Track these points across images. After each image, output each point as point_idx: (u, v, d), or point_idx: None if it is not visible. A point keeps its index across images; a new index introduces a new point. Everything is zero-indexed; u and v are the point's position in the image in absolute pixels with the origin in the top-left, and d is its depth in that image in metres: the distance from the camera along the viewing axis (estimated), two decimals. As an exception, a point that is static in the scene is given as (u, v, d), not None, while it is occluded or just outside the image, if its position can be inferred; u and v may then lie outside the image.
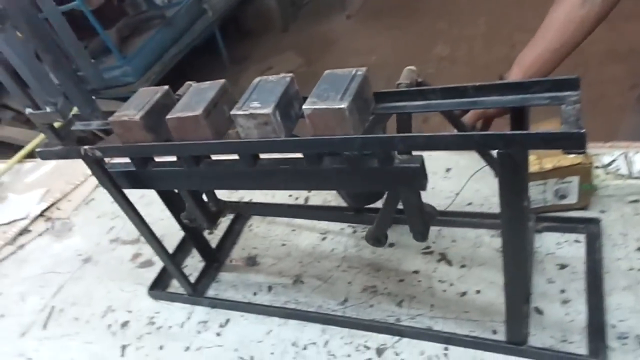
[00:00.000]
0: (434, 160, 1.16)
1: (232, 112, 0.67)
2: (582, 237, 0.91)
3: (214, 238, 1.16)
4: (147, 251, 1.21)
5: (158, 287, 1.08)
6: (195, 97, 0.73)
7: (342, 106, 0.60)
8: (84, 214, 1.43)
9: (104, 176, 0.82)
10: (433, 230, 1.02)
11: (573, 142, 0.51)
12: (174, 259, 1.02)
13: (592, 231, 0.91)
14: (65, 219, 1.42)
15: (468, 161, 1.11)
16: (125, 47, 3.54)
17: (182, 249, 1.15)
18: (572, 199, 0.94)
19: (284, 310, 0.96)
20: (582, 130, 0.50)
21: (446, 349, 0.82)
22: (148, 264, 1.18)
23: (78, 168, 1.51)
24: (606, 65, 2.83)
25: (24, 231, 1.43)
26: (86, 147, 0.77)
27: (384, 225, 0.82)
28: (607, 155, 0.98)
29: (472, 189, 1.06)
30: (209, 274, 1.08)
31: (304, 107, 0.63)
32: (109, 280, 1.17)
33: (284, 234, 1.12)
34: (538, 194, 0.94)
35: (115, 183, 0.84)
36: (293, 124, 0.68)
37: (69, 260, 1.27)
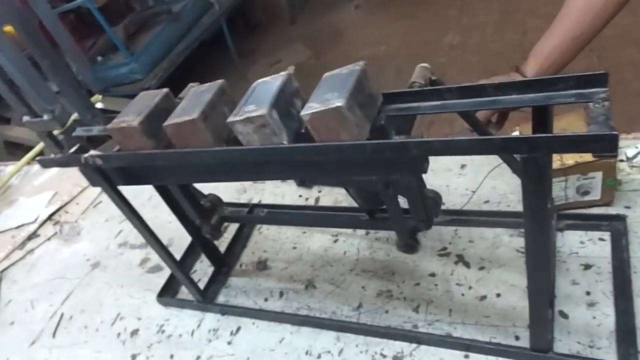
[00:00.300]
0: (450, 157, 1.12)
1: (229, 119, 0.64)
2: (606, 235, 0.87)
3: (223, 242, 1.13)
4: (156, 256, 1.17)
5: (167, 294, 1.06)
6: (192, 101, 0.70)
7: (339, 104, 0.56)
8: (91, 217, 1.41)
9: (105, 184, 0.79)
10: (449, 231, 0.98)
11: (604, 144, 0.46)
12: (181, 265, 0.99)
13: (617, 228, 0.86)
14: (74, 223, 1.40)
15: (484, 157, 1.07)
16: (133, 44, 3.51)
17: (191, 254, 1.12)
18: (595, 195, 0.89)
19: (297, 317, 0.93)
20: (614, 132, 0.46)
21: (466, 356, 0.79)
22: (157, 269, 1.16)
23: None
24: (622, 49, 2.74)
25: (33, 235, 1.41)
26: (86, 155, 0.74)
27: (404, 227, 0.78)
28: (631, 148, 0.93)
29: (488, 186, 1.02)
30: (218, 280, 1.05)
31: (301, 114, 0.60)
32: (117, 286, 1.15)
33: (295, 237, 1.09)
34: (559, 190, 0.89)
35: (117, 190, 0.82)
36: (295, 122, 0.65)
37: (77, 266, 1.25)
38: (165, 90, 0.76)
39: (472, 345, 0.79)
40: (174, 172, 0.78)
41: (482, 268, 0.90)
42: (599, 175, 0.86)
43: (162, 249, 0.92)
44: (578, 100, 0.54)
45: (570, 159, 0.86)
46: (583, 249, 0.87)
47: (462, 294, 0.87)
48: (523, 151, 0.50)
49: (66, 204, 1.49)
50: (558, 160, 0.86)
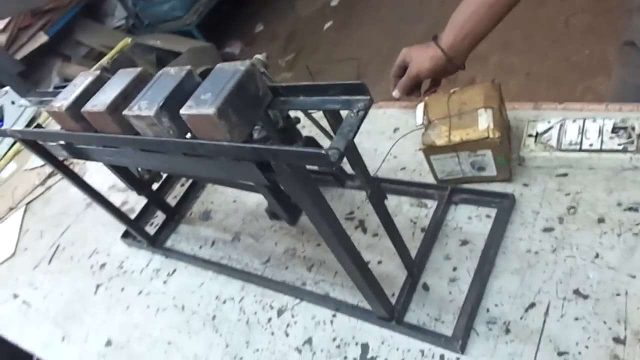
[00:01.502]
0: (386, 119, 1.14)
1: (124, 112, 0.67)
2: (493, 213, 0.88)
3: (181, 191, 1.26)
4: (132, 199, 1.35)
5: (129, 236, 1.23)
6: (110, 87, 0.74)
7: (210, 112, 0.56)
8: (97, 160, 1.60)
9: (36, 152, 0.93)
10: (361, 195, 1.03)
11: (321, 160, 0.51)
12: (132, 220, 1.15)
13: (503, 206, 0.87)
14: (83, 164, 1.60)
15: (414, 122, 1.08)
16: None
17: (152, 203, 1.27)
18: (491, 171, 0.89)
19: (217, 266, 1.05)
20: (327, 152, 0.50)
21: (334, 315, 0.87)
22: (131, 211, 1.32)
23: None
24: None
25: (53, 174, 1.64)
26: (11, 129, 0.88)
27: (273, 204, 0.85)
28: (542, 123, 0.90)
29: (409, 152, 1.04)
30: (169, 226, 1.20)
31: (181, 111, 0.60)
32: (100, 225, 1.34)
33: (238, 191, 1.19)
34: (454, 165, 0.90)
35: (53, 157, 0.96)
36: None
37: (77, 204, 1.46)
38: (97, 72, 0.79)
39: (341, 306, 0.87)
40: (90, 151, 0.89)
41: (375, 235, 0.95)
42: (488, 153, 0.86)
43: (102, 201, 1.06)
44: (343, 108, 0.57)
45: (457, 135, 0.86)
46: (468, 224, 0.89)
47: (351, 259, 0.94)
48: (270, 159, 0.55)
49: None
50: (445, 137, 0.87)
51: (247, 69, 0.59)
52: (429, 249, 0.88)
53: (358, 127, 0.54)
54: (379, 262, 0.91)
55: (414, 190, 0.97)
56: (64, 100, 0.77)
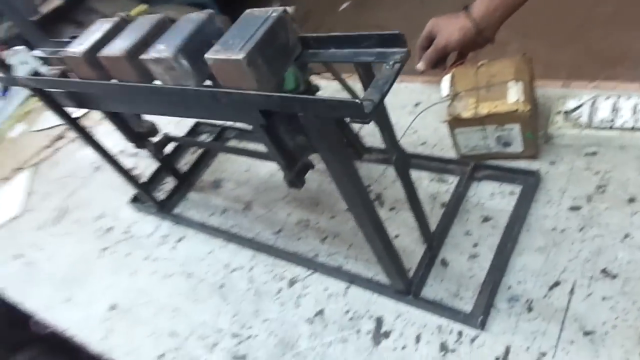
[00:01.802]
0: (407, 93, 1.11)
1: (141, 56, 0.64)
2: (518, 190, 0.85)
3: (191, 159, 1.24)
4: (142, 164, 1.33)
5: (138, 200, 1.20)
6: (129, 33, 0.70)
7: (239, 57, 0.52)
8: (105, 125, 1.57)
9: (46, 100, 0.90)
10: (379, 169, 1.00)
11: (355, 111, 0.48)
12: (142, 184, 1.12)
13: (529, 183, 0.84)
14: (91, 128, 1.57)
15: (437, 96, 1.05)
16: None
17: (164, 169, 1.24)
18: (517, 147, 0.86)
19: (227, 234, 1.02)
20: (362, 102, 0.47)
21: (348, 288, 0.85)
22: (141, 177, 1.29)
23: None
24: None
25: (61, 137, 1.62)
26: (20, 76, 0.85)
27: (287, 166, 0.81)
28: (573, 100, 0.87)
29: (431, 126, 1.01)
30: (179, 193, 1.17)
31: (206, 55, 0.56)
32: (109, 189, 1.31)
33: (251, 161, 1.16)
34: (479, 140, 0.87)
35: (57, 106, 0.93)
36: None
37: (85, 167, 1.43)
38: (119, 16, 0.75)
39: (355, 278, 0.85)
40: (98, 99, 0.86)
41: (392, 209, 0.92)
42: (516, 127, 0.83)
43: (114, 163, 1.03)
44: (377, 60, 0.54)
45: (485, 108, 0.83)
46: (490, 201, 0.86)
47: (366, 229, 0.91)
48: (298, 109, 0.52)
49: (89, 111, 1.66)
50: (473, 109, 0.84)
51: (280, 16, 0.56)
52: (449, 224, 0.85)
53: (393, 81, 0.51)
54: (396, 236, 0.88)
55: (434, 165, 0.94)
56: (80, 45, 0.73)
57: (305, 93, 0.89)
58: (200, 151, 1.25)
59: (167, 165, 1.15)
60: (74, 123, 0.96)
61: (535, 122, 0.84)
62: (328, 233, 0.94)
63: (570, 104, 0.87)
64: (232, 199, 1.11)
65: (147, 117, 1.05)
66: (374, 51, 0.54)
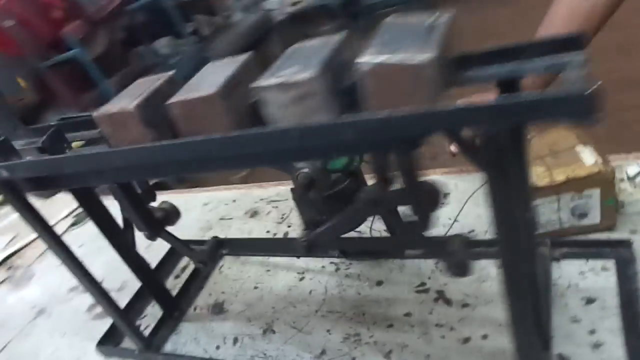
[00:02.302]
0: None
1: (256, 83, 0.48)
2: (610, 264, 0.74)
3: (178, 283, 1.00)
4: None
5: (109, 342, 0.92)
6: (207, 77, 0.55)
7: (423, 58, 0.39)
8: (47, 261, 1.29)
9: (15, 200, 0.68)
10: (429, 264, 0.85)
11: (578, 104, 0.35)
12: (123, 310, 0.87)
13: (622, 256, 0.73)
14: (27, 267, 1.28)
15: (469, 183, 0.96)
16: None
17: (142, 296, 0.99)
18: (594, 218, 0.77)
19: (250, 367, 0.78)
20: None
21: (446, 412, 0.64)
22: (105, 315, 1.02)
23: (49, 211, 1.38)
24: (624, 93, 2.68)
25: (-16, 279, 1.29)
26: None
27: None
28: (632, 166, 0.82)
29: (473, 214, 0.90)
30: (168, 325, 0.92)
31: (360, 60, 0.43)
32: (59, 336, 1.01)
33: (257, 275, 0.96)
34: (552, 213, 0.77)
35: (36, 213, 0.71)
36: (345, 100, 0.47)
37: (21, 314, 1.12)
38: (169, 73, 0.61)
39: (453, 397, 0.65)
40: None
41: (465, 305, 0.76)
42: (595, 193, 0.74)
43: (95, 287, 0.79)
44: (550, 70, 0.43)
45: (561, 174, 0.74)
46: (584, 280, 0.74)
47: (442, 336, 0.73)
48: (478, 123, 0.39)
49: (23, 247, 1.37)
50: (547, 177, 0.75)
51: (451, 21, 0.44)
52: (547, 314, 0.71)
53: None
54: (484, 337, 0.71)
55: (496, 251, 0.81)
56: (126, 101, 0.56)
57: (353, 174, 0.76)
58: (185, 274, 1.02)
59: (153, 283, 0.91)
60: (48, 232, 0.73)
61: (616, 187, 0.76)
62: (391, 346, 0.74)
63: (631, 170, 0.81)
64: (244, 324, 0.88)
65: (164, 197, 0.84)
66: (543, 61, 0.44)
